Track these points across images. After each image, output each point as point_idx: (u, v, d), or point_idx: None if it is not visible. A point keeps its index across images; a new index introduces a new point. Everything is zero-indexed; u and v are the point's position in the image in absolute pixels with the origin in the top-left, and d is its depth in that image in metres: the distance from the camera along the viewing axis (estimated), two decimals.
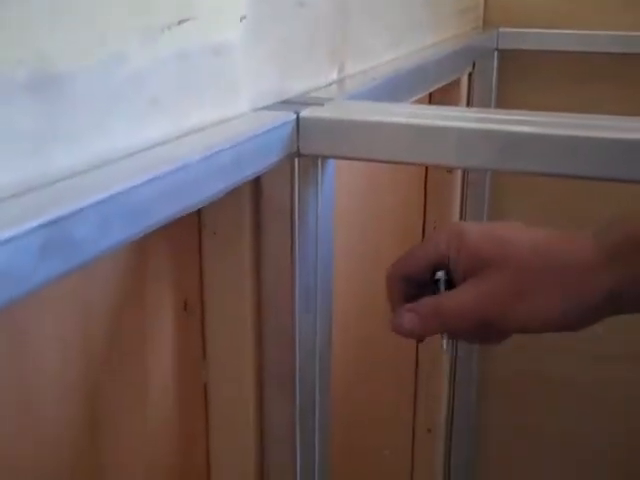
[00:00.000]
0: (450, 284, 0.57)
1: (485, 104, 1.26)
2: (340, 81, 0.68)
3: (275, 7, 0.55)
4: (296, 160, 0.55)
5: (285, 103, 0.57)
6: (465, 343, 0.57)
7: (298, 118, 0.52)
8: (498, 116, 0.53)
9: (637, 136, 0.46)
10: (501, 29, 1.26)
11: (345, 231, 0.84)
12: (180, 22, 0.44)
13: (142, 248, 0.53)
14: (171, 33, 0.43)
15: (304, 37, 0.60)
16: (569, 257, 0.54)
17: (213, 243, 0.59)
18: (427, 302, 0.57)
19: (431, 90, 1.00)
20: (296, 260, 0.57)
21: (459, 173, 1.23)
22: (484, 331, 0.57)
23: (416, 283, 0.59)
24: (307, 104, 0.55)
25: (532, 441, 1.51)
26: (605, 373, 1.42)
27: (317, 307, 0.60)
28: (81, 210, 0.32)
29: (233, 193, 0.49)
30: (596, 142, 0.47)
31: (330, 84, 0.66)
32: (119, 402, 0.53)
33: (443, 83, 1.01)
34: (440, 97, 1.13)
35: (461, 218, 1.28)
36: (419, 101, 0.93)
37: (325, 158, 0.57)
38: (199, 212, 0.58)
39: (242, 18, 0.50)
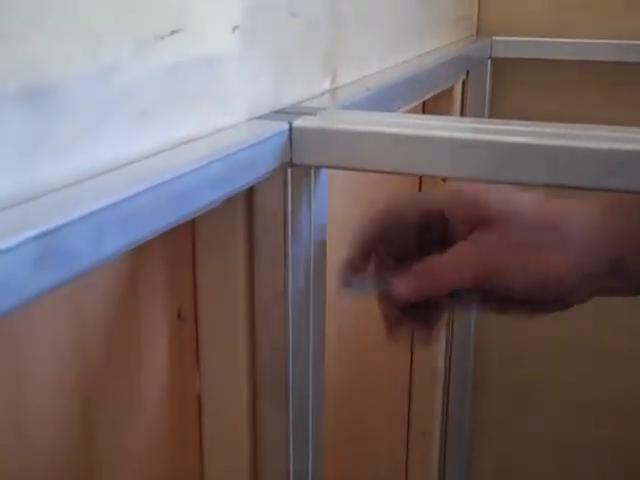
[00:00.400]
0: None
1: (479, 112, 1.26)
2: (333, 90, 0.68)
3: (268, 17, 0.55)
4: (289, 170, 0.55)
5: (278, 113, 0.57)
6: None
7: (291, 128, 0.52)
8: (491, 126, 0.53)
9: (631, 146, 0.46)
10: (494, 38, 1.27)
11: (338, 240, 0.84)
12: (172, 32, 0.44)
13: (136, 257, 0.53)
14: (164, 43, 0.43)
15: (297, 47, 0.61)
16: (571, 220, 0.54)
17: (207, 252, 0.59)
18: (420, 262, 0.56)
19: (425, 99, 1.00)
20: (289, 269, 0.58)
21: None
22: (482, 292, 0.56)
23: (397, 241, 0.58)
24: (300, 114, 0.55)
25: (527, 445, 1.51)
26: (602, 377, 1.42)
27: (311, 316, 0.60)
28: (75, 221, 0.32)
29: (226, 202, 0.49)
30: (590, 153, 0.47)
31: (323, 93, 0.66)
32: (113, 411, 0.53)
33: (437, 91, 1.02)
34: (434, 105, 1.14)
35: None
36: (413, 110, 0.93)
37: (318, 168, 0.57)
38: (193, 221, 0.58)
39: (235, 28, 0.50)
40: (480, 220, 0.55)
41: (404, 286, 0.56)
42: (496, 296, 0.56)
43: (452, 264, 0.55)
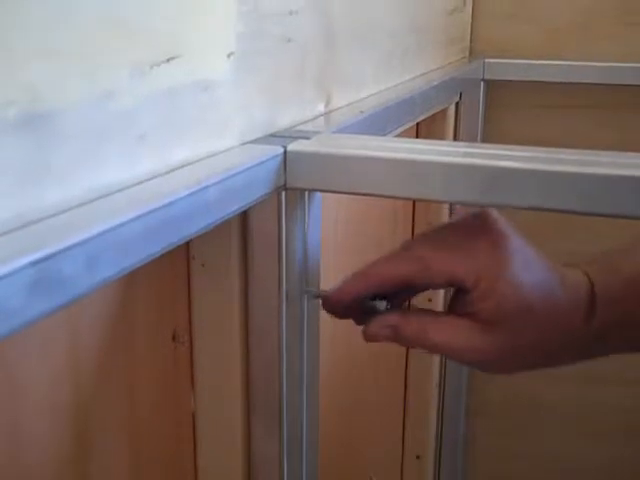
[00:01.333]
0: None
1: (472, 133, 1.27)
2: (327, 114, 0.69)
3: (263, 43, 0.56)
4: (283, 193, 0.55)
5: (272, 137, 0.57)
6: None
7: (285, 152, 0.53)
8: (484, 150, 0.53)
9: (621, 172, 0.46)
10: (487, 60, 1.27)
11: (332, 261, 0.84)
12: (169, 59, 0.44)
13: (131, 279, 0.53)
14: (160, 70, 0.44)
15: (291, 71, 0.61)
16: (574, 338, 0.54)
17: (202, 274, 0.59)
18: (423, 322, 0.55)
19: (419, 120, 1.01)
20: (283, 291, 0.58)
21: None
22: None
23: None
24: (294, 138, 0.55)
25: (523, 467, 1.51)
26: (595, 398, 1.42)
27: (305, 337, 0.61)
28: (70, 247, 0.33)
29: (221, 225, 0.49)
30: (580, 177, 0.47)
31: (317, 117, 0.67)
32: (108, 431, 0.53)
33: (431, 113, 1.02)
34: (427, 127, 1.14)
35: None
36: (407, 131, 0.94)
37: (312, 191, 0.57)
38: (188, 244, 0.59)
39: (230, 54, 0.51)
40: (495, 320, 0.54)
41: (384, 338, 0.56)
42: None
43: (423, 328, 0.54)
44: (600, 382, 1.41)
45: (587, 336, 0.54)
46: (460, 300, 0.54)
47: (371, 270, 0.55)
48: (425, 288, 0.57)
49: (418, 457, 1.39)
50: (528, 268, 0.54)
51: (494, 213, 0.54)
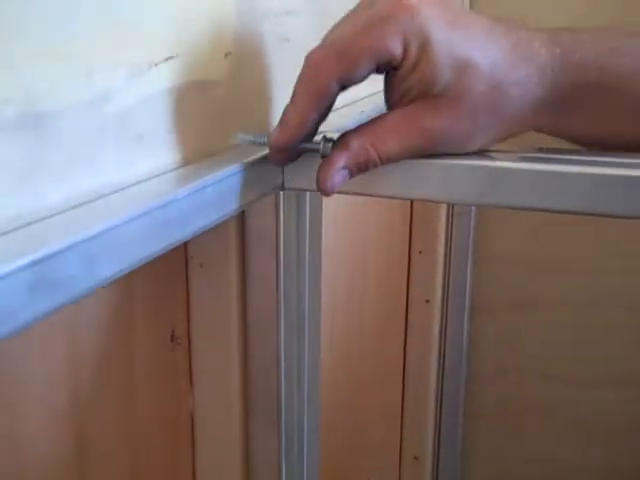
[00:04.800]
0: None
1: None
2: None
3: (260, 43, 0.56)
4: (281, 194, 0.55)
5: None
6: None
7: None
8: (482, 150, 0.53)
9: (621, 172, 0.46)
10: None
11: (330, 261, 0.84)
12: (166, 59, 0.44)
13: (129, 279, 0.53)
14: (157, 70, 0.44)
15: (289, 72, 0.61)
16: (521, 104, 0.49)
17: (200, 275, 0.59)
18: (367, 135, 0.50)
19: None
20: (281, 292, 0.58)
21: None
22: None
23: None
24: None
25: (519, 468, 1.51)
26: (592, 400, 1.42)
27: (305, 337, 0.61)
28: (69, 247, 0.33)
29: (219, 225, 0.49)
30: (579, 178, 0.47)
31: None
32: (106, 432, 0.53)
33: None
34: None
35: (446, 247, 1.28)
36: None
37: (308, 191, 0.57)
38: (185, 244, 0.58)
39: (227, 54, 0.51)
40: (431, 90, 0.48)
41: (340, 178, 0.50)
42: None
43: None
44: (596, 384, 1.41)
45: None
46: (394, 84, 0.50)
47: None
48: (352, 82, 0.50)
49: (416, 458, 1.39)
50: (457, 18, 0.48)
51: None
